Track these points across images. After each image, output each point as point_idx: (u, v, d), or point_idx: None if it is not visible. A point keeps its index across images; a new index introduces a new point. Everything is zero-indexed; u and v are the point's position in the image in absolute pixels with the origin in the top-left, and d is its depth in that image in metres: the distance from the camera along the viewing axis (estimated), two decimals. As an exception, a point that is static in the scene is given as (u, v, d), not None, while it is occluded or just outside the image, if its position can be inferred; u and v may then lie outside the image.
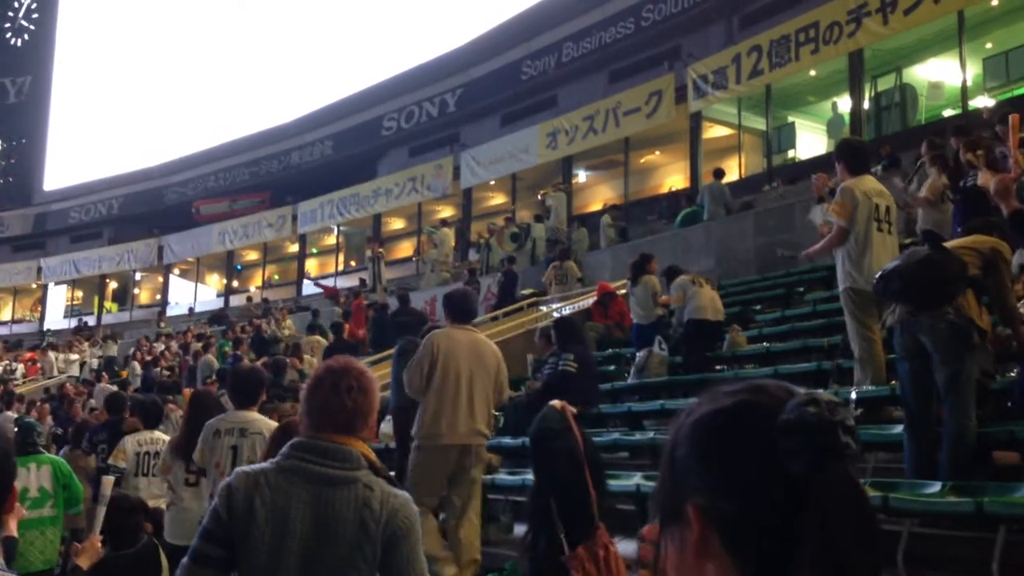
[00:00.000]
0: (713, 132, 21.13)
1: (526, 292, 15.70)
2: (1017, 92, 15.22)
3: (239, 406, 5.06)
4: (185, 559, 2.41)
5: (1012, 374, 5.44)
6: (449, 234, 21.48)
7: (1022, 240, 4.63)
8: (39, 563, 5.53)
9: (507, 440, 7.96)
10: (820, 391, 0.88)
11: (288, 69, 32.37)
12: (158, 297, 34.67)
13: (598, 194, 23.55)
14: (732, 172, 18.65)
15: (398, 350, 8.27)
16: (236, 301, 29.55)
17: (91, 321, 33.24)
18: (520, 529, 7.02)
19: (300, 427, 2.64)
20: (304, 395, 2.65)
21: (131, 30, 37.26)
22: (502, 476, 7.62)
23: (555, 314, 12.18)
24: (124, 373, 19.49)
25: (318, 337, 15.76)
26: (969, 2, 15.18)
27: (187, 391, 11.82)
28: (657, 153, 23.17)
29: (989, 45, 16.74)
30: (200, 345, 18.07)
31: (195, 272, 33.79)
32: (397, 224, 29.24)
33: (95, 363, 22.00)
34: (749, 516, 0.85)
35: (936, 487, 4.28)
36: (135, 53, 37.12)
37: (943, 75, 17.31)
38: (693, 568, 0.89)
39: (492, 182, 25.13)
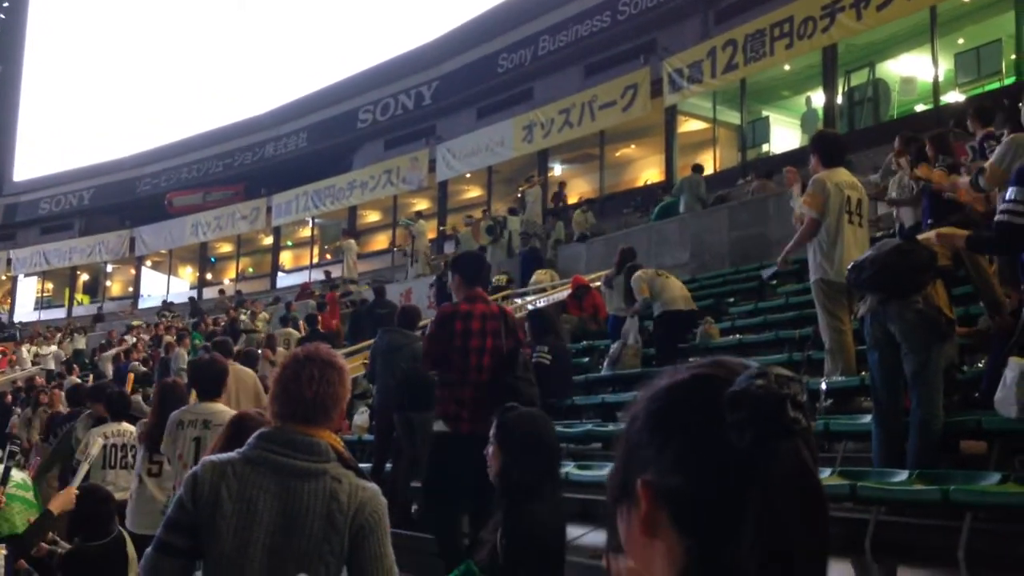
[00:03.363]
0: (688, 126, 21.21)
1: (498, 278, 15.60)
2: (988, 87, 15.37)
3: (202, 398, 5.05)
4: (150, 549, 2.39)
5: (980, 365, 5.50)
6: (426, 226, 21.44)
7: (996, 250, 4.68)
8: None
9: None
10: (778, 366, 0.86)
11: (263, 60, 32.10)
12: (130, 289, 34.36)
13: (573, 187, 23.56)
14: (707, 166, 18.71)
15: (385, 347, 8.12)
16: (209, 293, 29.32)
17: (61, 314, 32.91)
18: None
19: (268, 416, 2.62)
20: (271, 384, 2.64)
21: (103, 20, 36.80)
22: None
23: (529, 307, 12.16)
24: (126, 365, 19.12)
25: (291, 329, 15.67)
26: (942, -3, 15.32)
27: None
28: (632, 147, 23.23)
29: (961, 40, 16.90)
30: (172, 338, 17.91)
31: (168, 264, 33.52)
32: (372, 217, 29.14)
33: (63, 356, 21.79)
34: (696, 492, 0.83)
35: (903, 475, 4.32)
36: (107, 43, 36.66)
37: (915, 70, 17.46)
38: (642, 545, 0.87)
39: (468, 175, 25.10)
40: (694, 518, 0.83)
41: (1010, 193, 4.02)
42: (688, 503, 0.83)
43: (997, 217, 4.03)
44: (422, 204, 25.62)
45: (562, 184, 22.75)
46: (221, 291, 26.43)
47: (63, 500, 3.71)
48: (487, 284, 5.65)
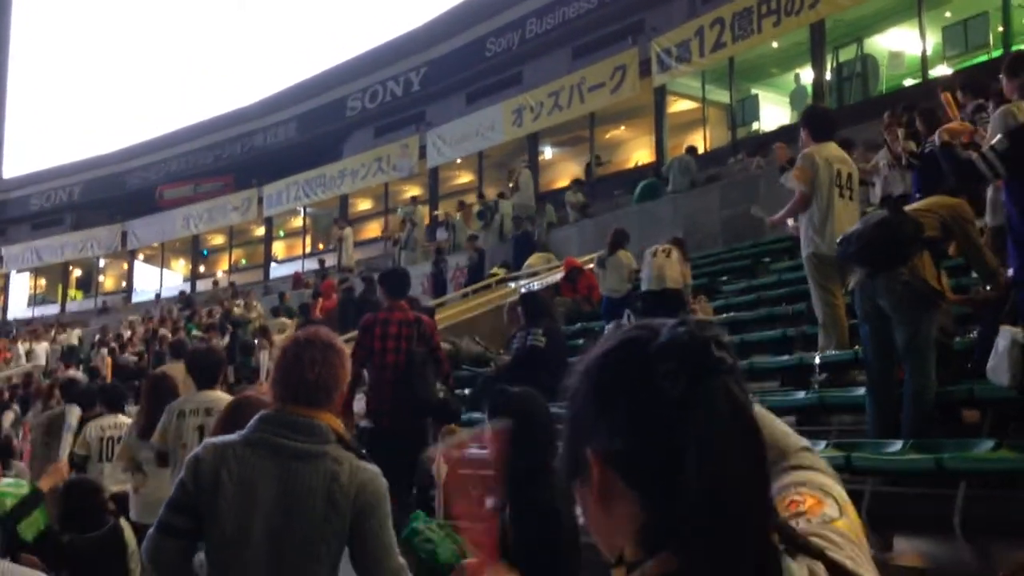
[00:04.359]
0: (678, 106, 21.18)
1: (495, 271, 15.67)
2: (977, 60, 15.37)
3: (201, 387, 5.05)
4: (151, 530, 2.42)
5: (973, 335, 5.53)
6: (424, 213, 21.45)
7: (950, 171, 4.72)
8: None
9: (476, 415, 7.98)
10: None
11: (250, 50, 31.93)
12: (124, 284, 34.28)
13: (564, 170, 23.54)
14: (698, 145, 18.73)
15: None
16: (203, 286, 29.28)
17: (55, 310, 32.83)
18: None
19: (269, 399, 2.63)
20: (272, 367, 2.66)
21: (88, 14, 36.56)
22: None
23: (523, 290, 12.18)
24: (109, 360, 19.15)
25: (284, 319, 15.67)
26: (928, -29, 15.30)
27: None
28: (622, 128, 23.19)
29: (948, 14, 16.88)
30: (167, 330, 17.92)
31: (160, 257, 33.44)
32: (364, 205, 29.08)
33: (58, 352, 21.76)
34: (641, 449, 0.86)
35: (897, 446, 4.36)
36: (93, 37, 36.43)
37: (903, 45, 17.44)
38: (601, 514, 0.90)
39: (459, 160, 25.05)
40: (642, 475, 0.86)
41: (995, 140, 4.05)
42: (635, 462, 0.86)
43: (973, 155, 4.06)
44: (414, 190, 25.56)
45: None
46: (215, 283, 26.37)
47: (53, 475, 3.72)
48: (406, 294, 6.65)
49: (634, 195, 16.22)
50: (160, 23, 34.58)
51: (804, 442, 1.15)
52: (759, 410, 1.13)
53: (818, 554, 0.88)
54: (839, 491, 1.05)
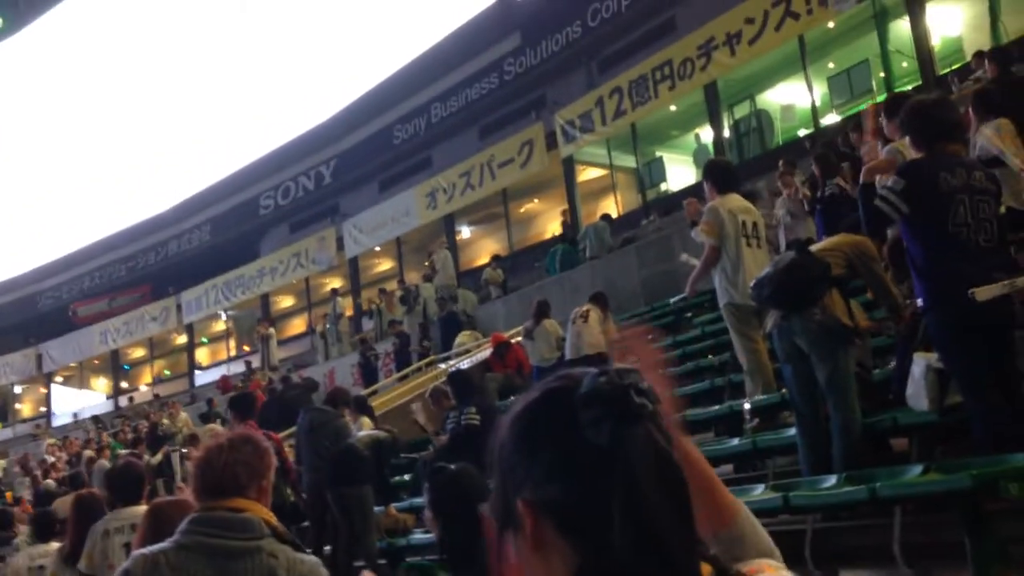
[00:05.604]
0: (587, 174, 21.65)
1: (462, 338, 15.39)
2: (862, 106, 16.12)
3: (125, 503, 4.90)
4: None
5: (891, 366, 5.70)
6: (343, 304, 21.37)
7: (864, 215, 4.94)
8: None
9: (418, 500, 7.87)
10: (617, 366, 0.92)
11: (157, 157, 31.63)
12: (42, 408, 33.07)
13: (483, 248, 23.74)
14: (610, 210, 19.11)
15: (307, 426, 8.07)
16: (126, 402, 28.40)
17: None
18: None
19: (193, 501, 2.57)
20: (191, 469, 2.60)
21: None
22: (417, 536, 7.53)
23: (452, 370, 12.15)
24: (8, 495, 18.42)
25: (213, 425, 15.30)
26: (807, 27, 16.07)
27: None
28: (536, 201, 23.56)
29: (831, 65, 17.75)
30: (91, 452, 17.31)
31: (79, 377, 32.43)
32: (286, 302, 28.79)
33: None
34: (570, 496, 0.88)
35: (832, 480, 4.43)
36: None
37: (793, 97, 18.23)
38: (537, 562, 0.91)
39: (377, 248, 25.07)
40: (574, 521, 0.88)
41: (890, 181, 4.24)
42: (566, 509, 0.88)
43: (876, 200, 4.24)
44: (335, 282, 25.42)
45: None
46: (130, 399, 25.62)
47: None
48: (254, 415, 7.51)
49: (548, 264, 16.46)
50: (64, 132, 34.03)
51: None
52: (746, 512, 1.19)
53: None
54: None
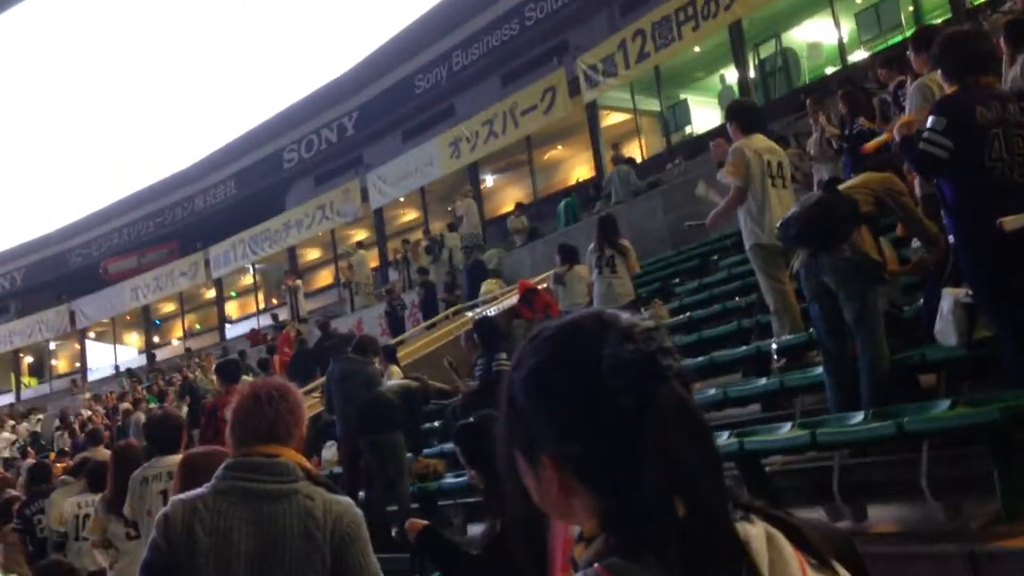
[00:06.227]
0: (611, 119, 21.45)
1: (488, 286, 15.42)
2: (891, 42, 15.80)
3: (162, 453, 5.01)
4: None
5: (920, 303, 5.66)
6: (364, 256, 21.42)
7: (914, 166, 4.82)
8: None
9: (448, 446, 7.98)
10: (635, 319, 0.93)
11: (182, 113, 31.74)
12: (77, 364, 33.65)
13: (508, 196, 23.68)
14: (635, 154, 18.97)
15: (338, 375, 8.16)
16: (160, 356, 28.86)
17: (10, 399, 32.10)
18: (474, 529, 7.06)
19: (229, 447, 2.62)
20: (229, 417, 2.64)
21: (18, 93, 36.14)
22: (448, 480, 7.64)
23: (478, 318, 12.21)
24: (52, 454, 18.81)
25: (246, 377, 15.49)
26: (834, -39, 15.73)
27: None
28: (560, 148, 23.42)
29: (859, 0, 17.36)
30: (128, 404, 17.64)
31: (112, 333, 32.91)
32: (313, 254, 28.95)
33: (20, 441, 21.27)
34: (596, 453, 0.90)
35: (859, 417, 4.44)
36: (26, 115, 35.98)
37: (820, 35, 17.90)
38: (560, 503, 0.95)
39: (402, 199, 25.07)
40: (599, 476, 0.91)
41: (930, 122, 4.16)
42: (591, 465, 0.91)
43: (919, 144, 4.15)
44: (360, 234, 25.51)
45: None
46: (151, 361, 25.84)
47: None
48: (239, 380, 7.81)
49: (559, 219, 16.48)
50: (96, 89, 34.22)
51: None
52: None
53: (774, 517, 0.93)
54: None
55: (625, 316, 0.94)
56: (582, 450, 0.91)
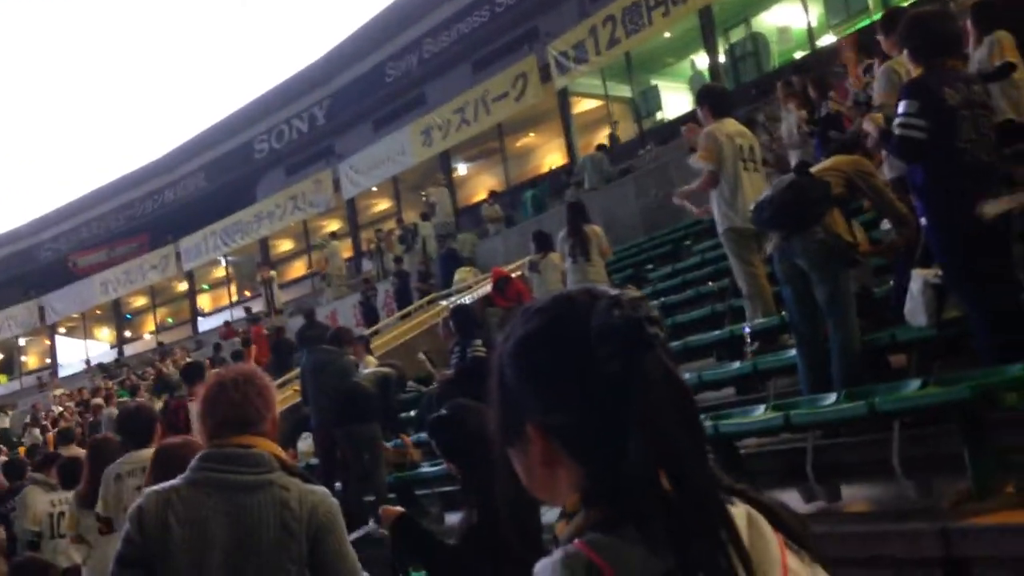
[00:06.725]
0: (582, 106, 21.46)
1: (461, 274, 15.37)
2: (859, 25, 15.89)
3: (136, 447, 4.95)
4: None
5: (890, 284, 5.72)
6: (338, 247, 21.31)
7: (894, 153, 4.84)
8: None
9: (424, 435, 7.96)
10: (623, 291, 0.94)
11: (151, 104, 31.39)
12: (48, 360, 33.28)
13: (481, 184, 23.65)
14: (606, 141, 18.99)
15: (311, 366, 8.11)
16: (131, 350, 28.62)
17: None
18: (452, 518, 7.06)
19: (201, 439, 2.59)
20: (198, 409, 2.60)
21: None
22: (425, 469, 7.64)
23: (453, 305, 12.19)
24: (22, 449, 18.62)
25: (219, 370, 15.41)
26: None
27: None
28: (531, 135, 23.40)
29: (828, -17, 17.46)
30: (99, 399, 17.48)
31: (83, 328, 32.57)
32: (285, 246, 28.78)
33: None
34: (581, 423, 0.91)
35: (832, 398, 4.48)
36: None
37: (789, 19, 17.97)
38: (544, 476, 0.95)
39: (374, 188, 24.98)
40: (585, 446, 0.92)
41: (902, 107, 4.18)
42: (577, 435, 0.92)
43: (895, 131, 4.17)
44: (333, 224, 25.40)
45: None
46: (121, 355, 25.58)
47: None
48: (204, 378, 7.38)
49: (525, 210, 16.49)
50: (60, 83, 33.76)
51: None
52: None
53: (753, 499, 0.94)
54: None
55: (614, 290, 0.95)
56: (568, 419, 0.91)
